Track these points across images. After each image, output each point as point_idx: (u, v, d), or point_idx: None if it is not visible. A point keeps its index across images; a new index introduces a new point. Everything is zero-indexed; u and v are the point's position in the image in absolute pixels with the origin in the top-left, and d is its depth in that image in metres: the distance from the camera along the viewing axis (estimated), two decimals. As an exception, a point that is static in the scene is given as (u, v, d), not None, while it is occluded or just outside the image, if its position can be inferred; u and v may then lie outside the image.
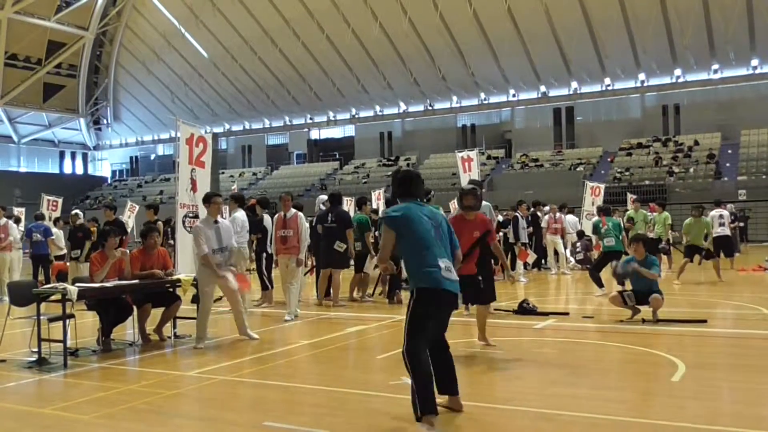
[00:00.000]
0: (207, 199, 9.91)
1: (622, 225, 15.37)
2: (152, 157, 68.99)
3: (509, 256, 19.64)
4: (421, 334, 5.61)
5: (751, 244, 31.56)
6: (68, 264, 17.02)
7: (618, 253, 13.83)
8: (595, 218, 15.70)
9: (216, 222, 9.65)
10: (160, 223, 14.86)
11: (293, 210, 12.42)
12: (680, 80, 45.57)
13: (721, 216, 18.85)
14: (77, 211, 18.16)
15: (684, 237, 17.57)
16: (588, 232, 20.88)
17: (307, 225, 12.60)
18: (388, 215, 5.85)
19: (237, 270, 10.06)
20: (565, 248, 20.80)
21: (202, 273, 9.47)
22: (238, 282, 9.65)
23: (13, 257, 16.54)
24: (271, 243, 14.01)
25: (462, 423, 5.61)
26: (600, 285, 14.14)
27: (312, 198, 34.27)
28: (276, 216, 12.59)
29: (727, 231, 18.71)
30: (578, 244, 21.74)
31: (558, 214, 19.85)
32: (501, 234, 18.67)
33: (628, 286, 11.05)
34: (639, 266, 10.74)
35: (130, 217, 28.54)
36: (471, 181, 8.37)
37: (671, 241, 20.98)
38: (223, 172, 55.93)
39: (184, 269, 10.84)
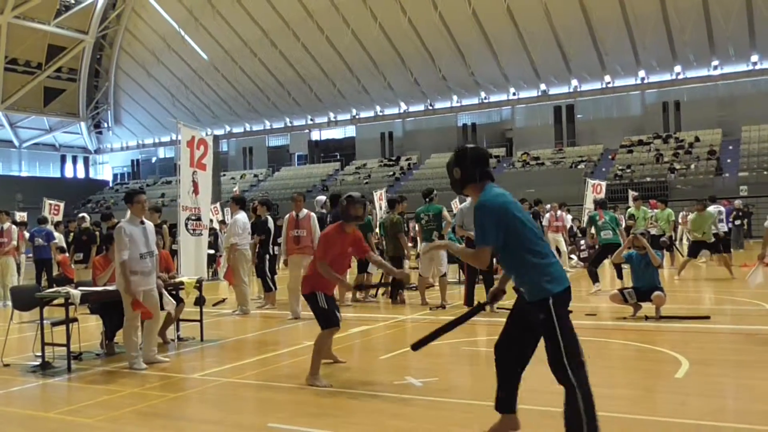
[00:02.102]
0: (128, 199, 8.57)
1: (618, 219, 15.42)
2: (153, 160, 69.03)
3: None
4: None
5: (754, 240, 31.54)
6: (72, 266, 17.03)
7: (616, 246, 13.79)
8: (593, 212, 15.74)
9: (142, 222, 8.54)
10: (165, 227, 14.84)
11: (305, 210, 12.45)
12: (680, 77, 45.55)
13: (719, 212, 18.85)
14: (84, 214, 18.18)
15: (692, 234, 17.50)
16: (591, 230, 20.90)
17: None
18: (488, 201, 4.71)
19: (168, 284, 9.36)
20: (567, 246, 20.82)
21: (119, 285, 8.30)
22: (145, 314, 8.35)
23: (17, 262, 16.57)
24: (273, 244, 14.05)
25: (468, 422, 5.61)
26: (595, 280, 14.12)
27: (311, 200, 34.24)
28: (287, 216, 12.58)
29: (724, 228, 18.71)
30: (582, 242, 21.76)
31: (559, 212, 19.86)
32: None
33: (628, 283, 11.05)
34: (648, 247, 10.74)
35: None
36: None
37: (673, 238, 20.97)
38: (224, 174, 55.93)
39: (187, 272, 10.85)
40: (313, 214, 12.52)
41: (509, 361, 5.05)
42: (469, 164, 4.89)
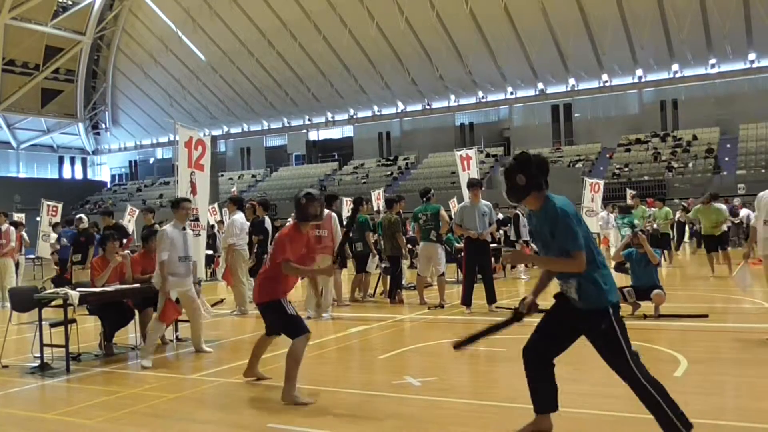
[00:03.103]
0: (175, 205, 9.29)
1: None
2: (151, 160, 68.98)
3: (510, 253, 19.66)
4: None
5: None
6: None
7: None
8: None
9: (184, 228, 9.15)
10: (157, 226, 14.83)
11: (327, 210, 12.45)
12: (678, 75, 45.57)
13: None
14: (81, 215, 18.19)
15: (695, 224, 17.55)
16: (593, 229, 20.97)
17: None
18: (568, 207, 4.72)
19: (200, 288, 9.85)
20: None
21: (156, 283, 8.91)
22: (166, 312, 8.78)
23: (10, 263, 16.55)
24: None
25: (467, 421, 5.61)
26: None
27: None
28: None
29: (723, 226, 18.67)
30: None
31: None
32: (501, 232, 18.69)
33: (628, 281, 11.05)
34: (646, 245, 10.75)
35: (130, 221, 28.56)
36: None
37: (671, 236, 20.99)
38: (222, 175, 55.88)
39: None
40: (333, 214, 12.51)
41: (543, 362, 5.06)
42: (535, 171, 4.80)
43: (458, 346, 5.41)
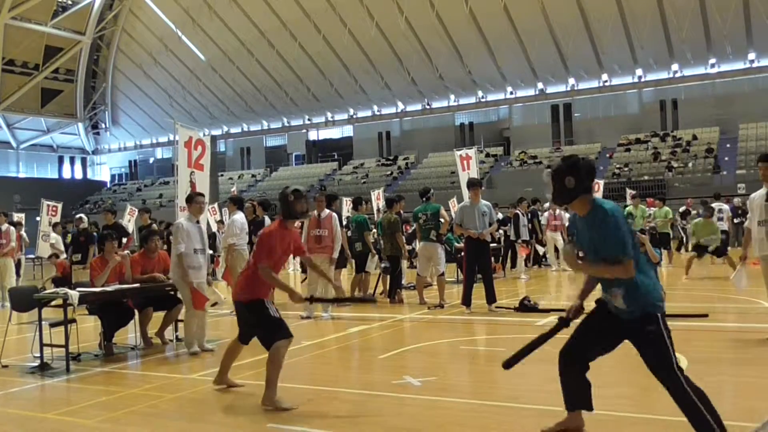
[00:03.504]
0: (189, 199, 9.66)
1: None
2: (151, 160, 68.98)
3: (510, 253, 19.69)
4: None
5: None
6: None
7: None
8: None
9: (198, 222, 9.50)
10: (155, 225, 14.86)
11: (327, 210, 12.47)
12: (677, 75, 45.54)
13: (720, 210, 18.77)
14: (81, 215, 18.20)
15: (692, 237, 17.41)
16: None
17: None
18: (618, 212, 4.71)
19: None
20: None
21: (177, 275, 9.17)
22: (196, 299, 9.11)
23: (11, 263, 16.57)
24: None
25: (467, 421, 5.61)
26: None
27: (311, 200, 34.20)
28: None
29: (724, 226, 18.59)
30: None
31: (558, 211, 19.85)
32: (501, 231, 18.70)
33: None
34: (648, 245, 10.76)
35: (129, 221, 28.55)
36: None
37: (671, 236, 20.99)
38: (222, 175, 55.87)
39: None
40: (334, 214, 12.53)
41: (580, 365, 5.10)
42: (584, 175, 4.78)
43: (508, 365, 5.24)
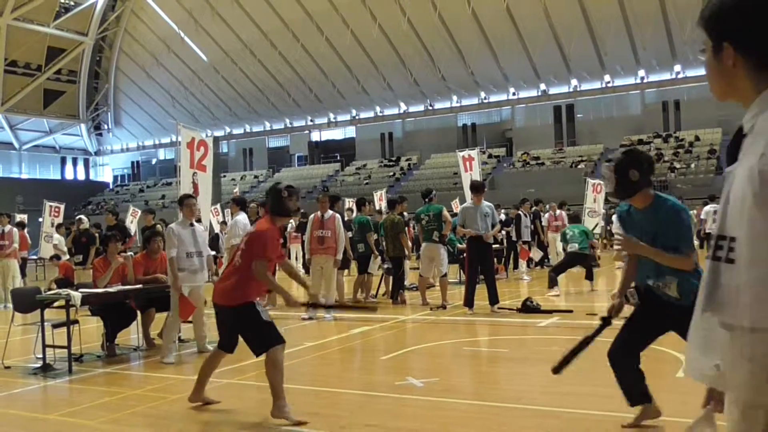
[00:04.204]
0: (180, 202, 9.48)
1: (589, 231, 15.62)
2: (154, 161, 69.00)
3: (512, 254, 19.68)
4: None
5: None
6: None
7: (582, 256, 14.41)
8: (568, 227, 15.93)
9: (192, 225, 9.29)
10: (159, 226, 14.85)
11: (330, 211, 12.48)
12: (680, 76, 45.49)
13: (716, 212, 18.79)
14: (82, 216, 18.23)
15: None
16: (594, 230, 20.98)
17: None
18: (686, 210, 4.99)
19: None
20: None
21: (169, 280, 9.08)
22: (182, 308, 8.91)
23: (13, 264, 16.60)
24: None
25: (470, 422, 5.61)
26: (553, 285, 14.08)
27: (313, 200, 34.24)
28: (312, 216, 12.63)
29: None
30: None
31: (558, 212, 19.84)
32: (504, 232, 18.69)
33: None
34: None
35: (132, 222, 28.58)
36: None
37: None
38: (224, 176, 55.87)
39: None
40: (337, 215, 12.54)
41: (632, 360, 5.19)
42: (647, 167, 4.84)
43: (557, 369, 5.15)
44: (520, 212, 18.90)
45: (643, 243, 4.81)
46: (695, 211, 25.28)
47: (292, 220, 22.96)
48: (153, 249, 9.94)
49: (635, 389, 5.14)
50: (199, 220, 11.93)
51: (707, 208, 18.44)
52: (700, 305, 1.99)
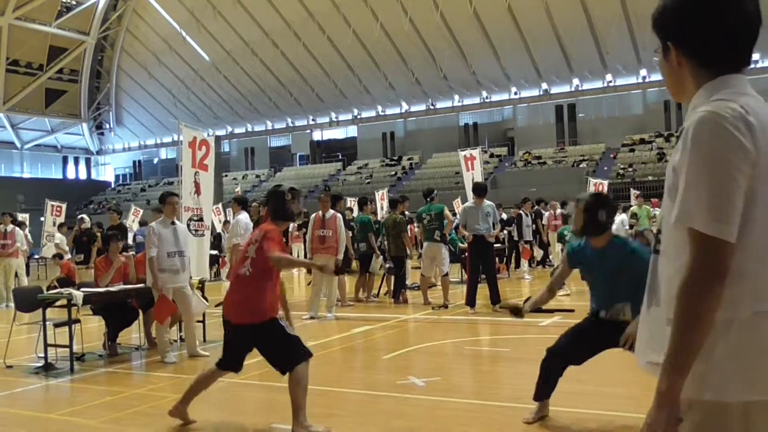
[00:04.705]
0: (162, 200, 9.23)
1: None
2: (155, 161, 69.04)
3: (514, 253, 19.68)
4: None
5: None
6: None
7: None
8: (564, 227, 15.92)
9: (173, 223, 9.08)
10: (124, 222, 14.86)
11: (332, 211, 12.49)
12: (682, 76, 45.45)
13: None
14: (83, 215, 18.23)
15: None
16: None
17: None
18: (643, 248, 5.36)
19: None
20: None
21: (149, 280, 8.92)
22: (158, 309, 8.71)
23: (20, 263, 16.63)
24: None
25: (471, 422, 5.61)
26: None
27: (315, 200, 34.24)
28: (314, 216, 12.66)
29: None
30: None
31: (558, 211, 19.81)
32: (505, 232, 18.69)
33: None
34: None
35: (134, 221, 28.57)
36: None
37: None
38: (226, 175, 55.93)
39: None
40: (339, 214, 12.54)
41: (564, 366, 5.53)
42: (611, 210, 5.39)
43: (515, 312, 5.54)
44: (521, 212, 18.89)
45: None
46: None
47: (293, 220, 22.99)
48: (112, 250, 9.87)
49: (549, 388, 5.46)
50: (200, 219, 11.96)
51: None
52: (646, 300, 2.06)
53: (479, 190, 12.70)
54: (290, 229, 21.51)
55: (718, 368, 1.83)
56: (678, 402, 1.84)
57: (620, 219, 22.61)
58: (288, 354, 5.54)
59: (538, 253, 20.72)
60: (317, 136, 61.08)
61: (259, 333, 5.57)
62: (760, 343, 1.82)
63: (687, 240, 1.85)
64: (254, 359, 8.05)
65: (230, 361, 5.82)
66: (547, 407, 5.53)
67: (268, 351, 5.64)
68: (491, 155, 48.61)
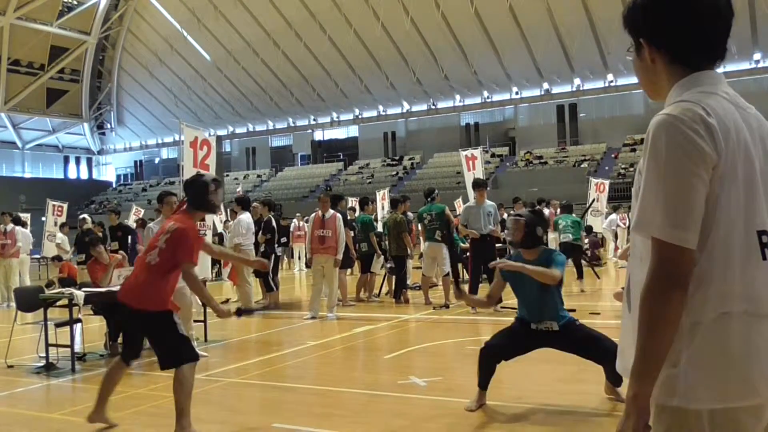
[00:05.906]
0: (160, 199, 9.05)
1: (581, 222, 15.64)
2: (156, 160, 69.09)
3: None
4: None
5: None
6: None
7: (576, 247, 14.64)
8: (558, 216, 15.90)
9: None
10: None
11: (332, 210, 12.48)
12: (683, 75, 45.44)
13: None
14: (85, 215, 18.23)
15: None
16: (596, 228, 20.96)
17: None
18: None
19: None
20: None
21: None
22: None
23: (22, 262, 16.61)
24: (278, 244, 14.09)
25: (472, 421, 5.60)
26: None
27: (315, 200, 34.23)
28: (313, 216, 12.67)
29: None
30: (586, 240, 21.74)
31: (559, 210, 19.76)
32: (506, 232, 18.67)
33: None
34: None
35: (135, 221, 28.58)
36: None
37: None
38: (227, 175, 55.97)
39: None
40: (338, 214, 12.53)
41: (500, 361, 6.03)
42: (546, 228, 6.52)
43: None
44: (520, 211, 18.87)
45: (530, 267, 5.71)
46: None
47: (295, 219, 22.98)
48: (97, 255, 9.81)
49: (487, 378, 5.92)
50: (202, 219, 11.96)
51: None
52: (625, 304, 2.07)
53: (478, 184, 12.71)
54: (291, 228, 21.49)
55: (685, 374, 1.82)
56: (646, 408, 1.83)
57: (610, 219, 22.69)
58: (178, 350, 5.42)
59: None
60: (318, 135, 61.12)
61: (154, 321, 5.46)
62: (725, 348, 1.81)
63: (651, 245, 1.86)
64: (254, 359, 8.06)
65: (133, 350, 5.79)
66: (484, 396, 5.93)
67: (159, 342, 5.55)
68: (492, 155, 48.63)
